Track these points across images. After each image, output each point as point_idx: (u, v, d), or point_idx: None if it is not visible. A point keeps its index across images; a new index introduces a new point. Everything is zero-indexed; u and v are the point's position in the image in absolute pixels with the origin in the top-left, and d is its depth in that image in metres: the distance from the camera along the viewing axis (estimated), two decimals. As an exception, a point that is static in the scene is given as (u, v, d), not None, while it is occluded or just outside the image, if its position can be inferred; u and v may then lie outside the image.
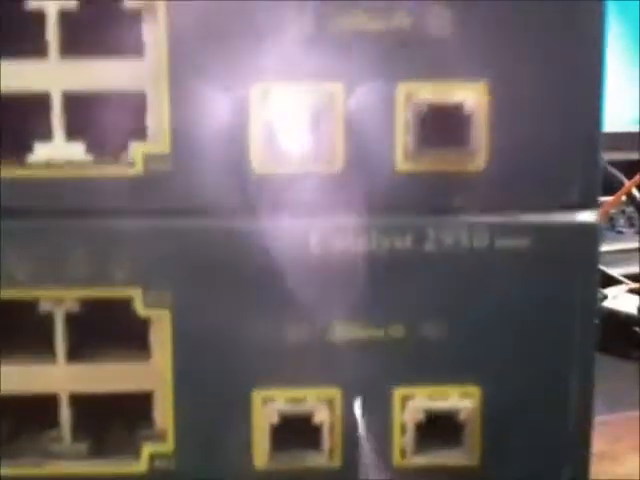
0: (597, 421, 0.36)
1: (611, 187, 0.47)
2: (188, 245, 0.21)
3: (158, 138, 0.20)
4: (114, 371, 0.21)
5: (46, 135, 0.20)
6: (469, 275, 0.21)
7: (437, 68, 0.20)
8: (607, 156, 0.64)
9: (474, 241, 0.21)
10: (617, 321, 0.42)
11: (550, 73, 0.21)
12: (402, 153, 0.21)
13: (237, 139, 0.20)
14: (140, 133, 0.20)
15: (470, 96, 0.20)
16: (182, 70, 0.20)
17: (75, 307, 0.21)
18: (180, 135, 0.20)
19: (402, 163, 0.21)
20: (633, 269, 0.52)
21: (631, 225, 0.58)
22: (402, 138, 0.20)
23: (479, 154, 0.21)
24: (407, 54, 0.20)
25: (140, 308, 0.21)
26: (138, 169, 0.20)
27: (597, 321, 0.41)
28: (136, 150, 0.20)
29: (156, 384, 0.21)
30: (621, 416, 0.37)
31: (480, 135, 0.20)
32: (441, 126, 0.21)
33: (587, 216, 0.21)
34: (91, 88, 0.20)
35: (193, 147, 0.20)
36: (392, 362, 0.21)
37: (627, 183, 0.44)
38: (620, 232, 0.61)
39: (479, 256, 0.21)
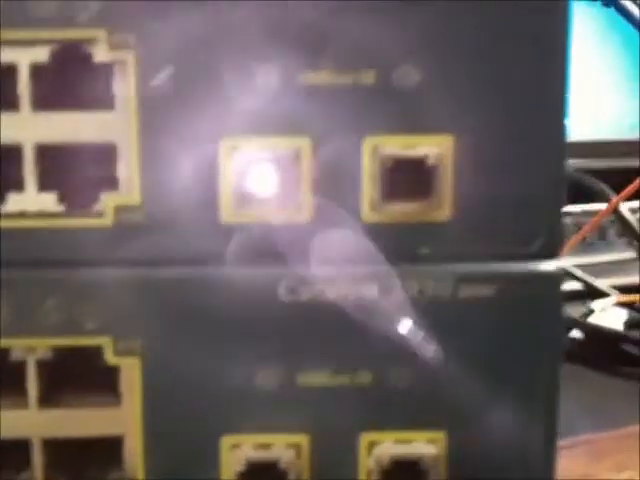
0: (581, 440, 0.37)
1: (592, 196, 0.48)
2: (158, 294, 0.21)
3: (129, 190, 0.21)
4: (85, 416, 0.21)
5: (19, 186, 0.21)
6: (434, 323, 0.21)
7: (403, 121, 0.21)
8: (607, 163, 0.64)
9: (439, 290, 0.21)
10: (603, 337, 0.42)
11: (514, 125, 0.21)
12: (368, 204, 0.21)
13: (206, 190, 0.21)
14: (113, 183, 0.21)
15: (435, 149, 0.21)
16: (152, 123, 0.21)
17: (47, 354, 0.21)
18: (150, 187, 0.21)
19: (368, 214, 0.21)
20: (624, 280, 0.53)
21: (621, 235, 0.58)
22: (368, 190, 0.21)
23: (444, 205, 0.21)
24: (373, 108, 0.21)
25: (110, 356, 0.21)
26: (109, 220, 0.21)
27: (582, 337, 0.42)
28: (107, 201, 0.21)
29: (126, 429, 0.21)
30: (605, 435, 0.37)
31: (445, 187, 0.21)
32: (408, 176, 0.21)
33: (551, 265, 0.21)
34: (63, 140, 0.21)
35: (163, 198, 0.21)
36: (359, 409, 0.21)
37: (614, 198, 0.44)
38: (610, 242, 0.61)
39: (444, 304, 0.21)
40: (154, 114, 0.21)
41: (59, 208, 0.21)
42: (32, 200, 0.21)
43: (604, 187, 0.45)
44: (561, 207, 0.21)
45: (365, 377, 0.22)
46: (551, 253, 0.21)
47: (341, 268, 0.21)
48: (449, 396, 0.22)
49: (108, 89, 0.20)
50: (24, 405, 0.21)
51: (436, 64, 0.21)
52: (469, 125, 0.21)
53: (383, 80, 0.21)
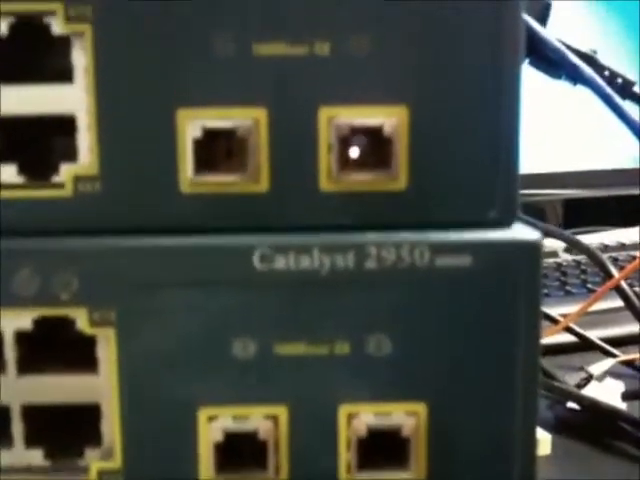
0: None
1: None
2: (125, 263, 0.21)
3: (87, 161, 0.21)
4: (64, 384, 0.22)
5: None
6: (410, 291, 0.21)
7: (358, 91, 0.21)
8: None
9: (415, 258, 0.21)
10: (600, 413, 0.42)
11: (469, 93, 0.21)
12: (325, 174, 0.21)
13: (165, 160, 0.21)
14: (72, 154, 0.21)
15: (390, 118, 0.21)
16: (110, 93, 0.21)
17: (26, 324, 0.21)
18: (109, 157, 0.21)
19: (326, 183, 0.21)
20: (617, 331, 0.52)
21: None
22: (325, 159, 0.21)
23: (400, 174, 0.21)
24: (328, 78, 0.21)
25: (85, 327, 0.21)
26: (68, 191, 0.21)
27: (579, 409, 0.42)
28: (66, 172, 0.21)
29: (103, 398, 0.22)
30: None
31: (400, 156, 0.21)
32: (365, 146, 0.21)
33: (529, 234, 0.21)
34: (25, 112, 0.21)
35: (122, 168, 0.21)
36: (337, 379, 0.22)
37: (618, 274, 0.43)
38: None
39: (420, 273, 0.21)
40: (112, 85, 0.21)
41: (19, 179, 0.21)
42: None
43: (606, 262, 0.45)
44: (516, 175, 0.21)
45: (343, 347, 0.22)
46: (506, 221, 0.21)
47: (313, 238, 0.21)
48: (429, 366, 0.22)
49: (67, 62, 0.21)
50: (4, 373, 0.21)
51: (389, 35, 0.21)
52: (424, 95, 0.21)
53: (338, 50, 0.21)
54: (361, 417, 0.21)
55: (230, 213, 0.21)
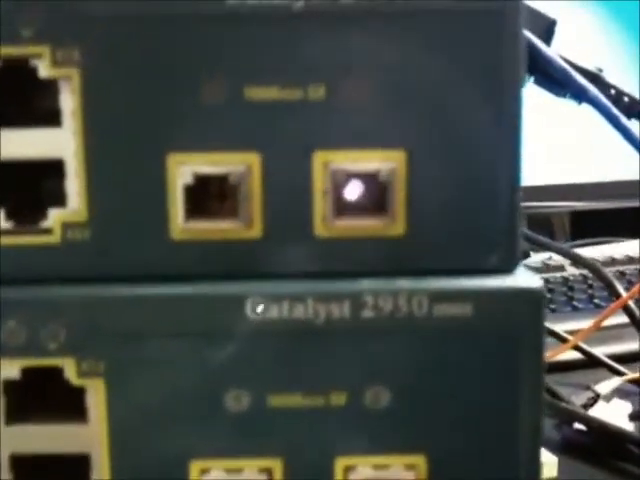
0: None
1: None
2: (114, 313, 0.21)
3: (76, 206, 0.21)
4: (53, 433, 0.21)
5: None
6: (409, 341, 0.21)
7: (353, 136, 0.20)
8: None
9: (414, 307, 0.21)
10: (607, 434, 0.42)
11: (467, 136, 0.21)
12: (320, 220, 0.21)
13: (155, 206, 0.21)
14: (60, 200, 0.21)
15: (387, 163, 0.20)
16: (98, 137, 0.20)
17: (14, 374, 0.21)
18: (98, 202, 0.21)
19: (320, 229, 0.21)
20: (621, 347, 0.51)
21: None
22: (320, 205, 0.21)
23: (398, 220, 0.21)
24: (323, 122, 0.20)
25: (73, 377, 0.21)
26: (56, 237, 0.21)
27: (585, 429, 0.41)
28: (55, 218, 0.21)
29: (93, 447, 0.21)
30: None
31: (398, 201, 0.20)
32: (361, 191, 0.21)
33: (531, 281, 0.21)
34: (12, 156, 0.20)
35: (111, 215, 0.21)
36: (334, 431, 0.21)
37: (625, 295, 0.43)
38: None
39: (419, 322, 0.21)
40: (101, 129, 0.20)
41: (7, 225, 0.21)
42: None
43: (615, 282, 0.44)
44: (517, 221, 0.21)
45: (339, 398, 0.21)
46: (508, 267, 0.21)
47: (308, 286, 0.21)
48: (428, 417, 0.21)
49: (55, 105, 0.20)
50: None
51: (386, 78, 0.20)
52: (422, 141, 0.21)
53: (333, 94, 0.20)
54: (358, 471, 0.21)
55: (222, 260, 0.21)
